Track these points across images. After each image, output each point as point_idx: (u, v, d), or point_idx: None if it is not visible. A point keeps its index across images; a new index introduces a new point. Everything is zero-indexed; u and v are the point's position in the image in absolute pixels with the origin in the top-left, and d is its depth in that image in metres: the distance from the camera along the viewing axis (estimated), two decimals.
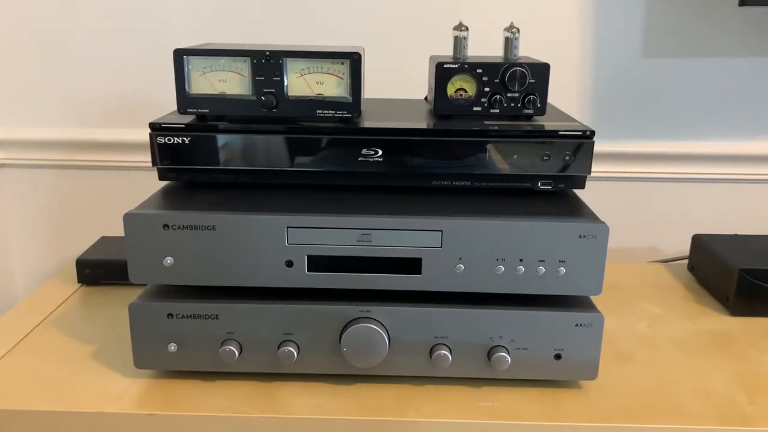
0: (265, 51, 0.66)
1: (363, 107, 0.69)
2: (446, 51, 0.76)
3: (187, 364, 0.67)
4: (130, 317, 0.66)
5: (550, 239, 0.63)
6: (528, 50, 0.94)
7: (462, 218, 0.64)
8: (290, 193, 0.69)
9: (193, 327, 0.66)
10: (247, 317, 0.66)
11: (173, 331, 0.66)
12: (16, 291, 1.14)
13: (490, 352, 0.66)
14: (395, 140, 0.68)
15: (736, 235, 0.96)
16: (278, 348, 0.66)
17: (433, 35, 0.99)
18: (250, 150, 0.68)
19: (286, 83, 0.67)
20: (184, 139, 0.68)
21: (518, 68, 0.69)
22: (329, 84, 0.68)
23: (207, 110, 0.68)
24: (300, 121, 0.69)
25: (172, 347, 0.66)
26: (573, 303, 0.67)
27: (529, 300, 0.66)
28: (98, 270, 0.91)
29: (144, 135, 1.01)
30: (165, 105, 0.99)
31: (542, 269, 0.64)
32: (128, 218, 0.63)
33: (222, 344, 0.66)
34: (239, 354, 0.66)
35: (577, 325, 0.65)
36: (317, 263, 0.64)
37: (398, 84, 0.98)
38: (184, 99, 0.68)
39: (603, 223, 0.63)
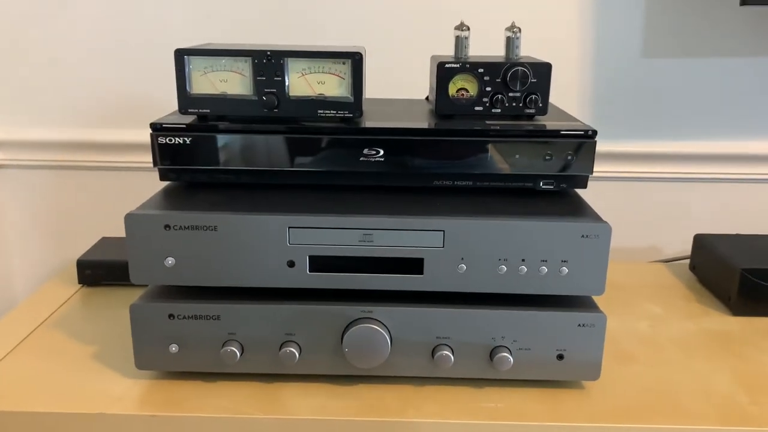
0: (266, 51, 0.66)
1: (364, 107, 0.69)
2: (447, 51, 0.76)
3: (189, 365, 0.67)
4: (131, 318, 0.66)
5: (553, 239, 0.63)
6: (528, 50, 0.94)
7: (464, 218, 0.63)
8: (292, 193, 0.69)
9: (194, 328, 0.66)
10: (248, 318, 0.66)
11: (174, 332, 0.66)
12: (17, 292, 1.14)
13: (492, 353, 0.66)
14: (397, 140, 0.68)
15: (737, 235, 0.96)
16: (280, 349, 0.66)
17: (434, 35, 0.99)
18: (251, 150, 0.68)
19: (287, 83, 0.67)
20: (185, 139, 0.67)
21: (520, 68, 0.68)
22: (330, 84, 0.68)
23: (208, 110, 0.68)
24: (301, 121, 0.69)
25: (174, 348, 0.66)
26: (575, 303, 0.67)
27: (531, 300, 0.66)
28: (99, 271, 0.91)
29: (145, 135, 1.01)
30: (166, 105, 0.98)
31: (544, 269, 0.64)
32: (129, 219, 0.63)
33: (223, 345, 0.66)
34: (241, 355, 0.66)
35: (579, 325, 0.65)
36: (319, 263, 0.64)
37: (399, 84, 0.98)
38: (185, 99, 0.68)
39: (605, 222, 0.63)
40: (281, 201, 0.67)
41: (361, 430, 0.64)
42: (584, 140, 0.68)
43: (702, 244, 0.95)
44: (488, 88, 0.70)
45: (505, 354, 0.65)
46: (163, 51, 1.00)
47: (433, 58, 0.76)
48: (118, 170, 1.07)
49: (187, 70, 0.67)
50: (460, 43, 0.72)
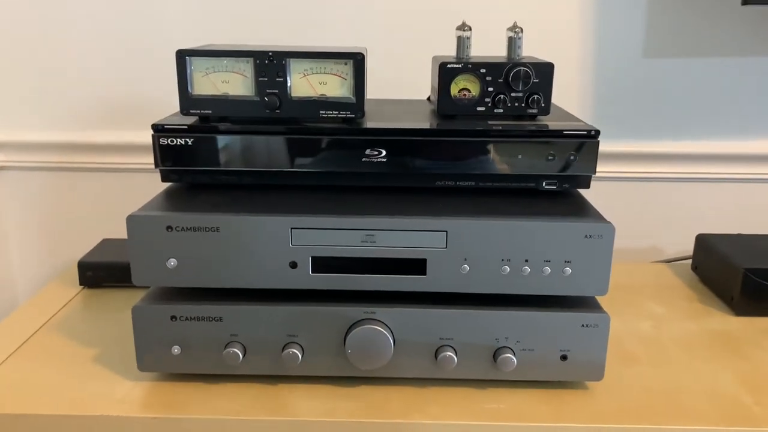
0: (268, 51, 0.66)
1: (366, 108, 0.69)
2: (449, 51, 0.75)
3: (191, 367, 0.67)
4: (134, 320, 0.65)
5: (556, 239, 0.63)
6: (529, 50, 0.93)
7: (467, 219, 0.63)
8: (294, 194, 0.69)
9: (196, 329, 0.66)
10: (251, 319, 0.65)
11: (177, 334, 0.66)
12: (18, 294, 1.13)
13: (495, 354, 0.66)
14: (399, 140, 0.67)
15: (740, 235, 0.96)
16: (282, 350, 0.66)
17: (435, 35, 0.99)
18: (253, 151, 0.68)
19: (289, 84, 0.67)
20: (187, 140, 0.67)
21: (522, 68, 0.68)
22: (332, 84, 0.67)
23: (210, 111, 0.68)
24: (303, 122, 0.68)
25: (176, 350, 0.66)
26: (579, 303, 0.67)
27: (534, 301, 0.66)
28: (100, 272, 0.91)
29: (146, 136, 1.00)
30: (167, 106, 0.98)
31: (548, 269, 0.64)
32: (131, 220, 0.63)
33: (226, 346, 0.66)
34: (243, 356, 0.66)
35: (583, 325, 0.65)
36: (321, 264, 0.64)
37: (401, 84, 0.98)
38: (187, 100, 0.67)
39: (609, 223, 0.63)
40: (283, 202, 0.67)
41: (364, 431, 0.63)
42: (587, 140, 0.68)
43: (704, 244, 0.94)
44: (490, 89, 0.69)
45: (509, 355, 0.65)
46: (164, 51, 1.00)
47: (434, 58, 0.76)
48: (119, 172, 1.07)
49: (188, 71, 0.67)
50: (462, 43, 0.72)
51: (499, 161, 0.68)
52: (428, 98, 0.86)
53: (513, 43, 0.71)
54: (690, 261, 0.99)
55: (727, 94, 1.02)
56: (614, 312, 0.82)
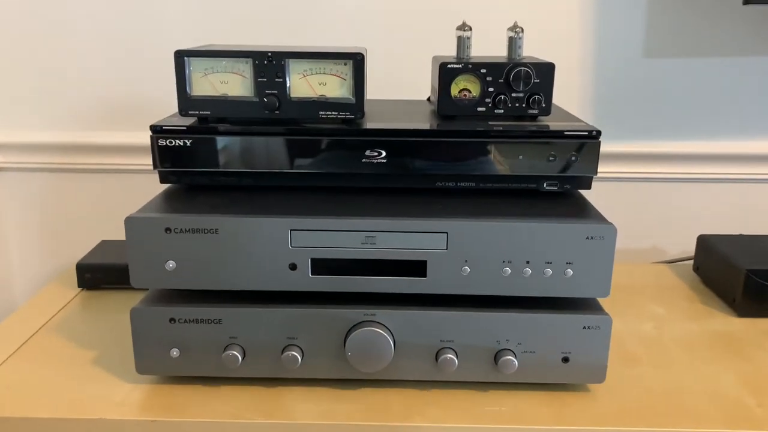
0: (267, 52, 0.66)
1: (366, 108, 0.69)
2: (449, 51, 0.75)
3: (190, 370, 0.66)
4: (132, 322, 0.65)
5: (557, 241, 0.63)
6: (529, 50, 0.93)
7: (467, 220, 0.63)
8: (293, 195, 0.69)
9: (195, 332, 0.65)
10: (250, 321, 0.65)
11: (175, 336, 0.65)
12: (16, 295, 1.13)
13: (496, 356, 0.65)
14: (399, 141, 0.67)
15: (741, 235, 0.95)
16: (282, 352, 0.65)
17: (435, 35, 0.98)
18: (252, 152, 0.67)
19: (288, 84, 0.67)
20: (186, 141, 0.67)
21: (523, 68, 0.68)
22: (332, 85, 0.67)
23: (208, 112, 0.68)
24: (302, 123, 0.68)
25: (175, 352, 0.65)
26: (580, 305, 0.66)
27: (535, 302, 0.66)
28: (99, 274, 0.90)
29: (145, 137, 1.00)
30: (166, 106, 0.98)
31: (549, 271, 0.63)
32: (130, 222, 0.63)
33: (225, 349, 0.65)
34: (242, 359, 0.65)
35: (584, 327, 0.65)
36: (321, 266, 0.64)
37: (400, 85, 0.98)
38: (186, 101, 0.67)
39: (610, 224, 0.63)
40: (282, 203, 0.66)
41: None
42: (588, 141, 0.67)
43: (706, 244, 0.94)
44: (491, 89, 0.69)
45: (510, 357, 0.65)
46: (164, 52, 1.00)
47: (434, 58, 0.75)
48: (118, 172, 1.06)
49: (187, 71, 0.66)
50: (462, 43, 0.71)
51: (499, 162, 0.68)
52: (428, 98, 0.85)
53: (513, 43, 0.71)
54: (691, 262, 0.99)
55: (727, 94, 1.02)
56: (615, 313, 0.81)
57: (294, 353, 0.65)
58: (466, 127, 0.68)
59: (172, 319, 0.65)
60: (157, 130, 0.67)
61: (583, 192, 0.71)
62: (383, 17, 0.99)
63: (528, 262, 0.63)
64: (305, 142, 0.67)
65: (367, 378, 0.67)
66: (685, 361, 0.74)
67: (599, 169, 0.69)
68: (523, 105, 0.69)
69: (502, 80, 0.69)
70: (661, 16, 0.99)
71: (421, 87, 0.90)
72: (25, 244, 1.10)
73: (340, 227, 0.63)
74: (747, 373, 0.72)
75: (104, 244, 0.98)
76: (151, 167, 0.69)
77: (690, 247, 1.00)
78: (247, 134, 0.67)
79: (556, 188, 0.69)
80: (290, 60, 0.66)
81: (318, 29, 1.00)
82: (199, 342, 0.65)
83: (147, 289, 0.69)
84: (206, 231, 0.63)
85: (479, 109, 0.70)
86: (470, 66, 0.68)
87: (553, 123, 0.70)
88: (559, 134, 0.67)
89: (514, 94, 0.69)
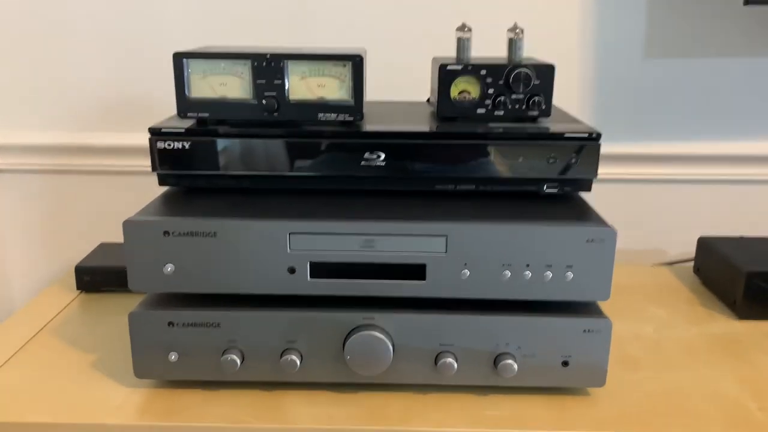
0: (266, 54, 0.65)
1: (365, 110, 0.68)
2: (449, 52, 0.75)
3: (189, 374, 0.66)
4: (130, 326, 0.65)
5: (557, 244, 0.62)
6: (529, 51, 0.93)
7: (467, 223, 0.62)
8: (292, 198, 0.68)
9: (194, 335, 0.65)
10: (249, 325, 0.65)
11: (174, 340, 0.65)
12: (15, 298, 1.13)
13: (496, 360, 0.65)
14: (398, 144, 0.67)
15: (742, 237, 0.95)
16: (281, 356, 0.65)
17: (435, 36, 0.98)
18: (251, 154, 0.67)
19: (287, 86, 0.66)
20: (184, 143, 0.67)
21: (523, 70, 0.68)
22: (331, 87, 0.67)
23: (207, 114, 0.67)
24: (301, 125, 0.68)
25: (173, 356, 0.65)
26: (580, 308, 0.66)
27: (535, 306, 0.65)
28: (97, 277, 0.90)
29: (143, 139, 1.00)
30: (166, 107, 0.97)
31: (549, 274, 0.63)
32: (128, 225, 0.62)
33: (223, 353, 0.65)
34: (241, 363, 0.65)
35: (584, 331, 0.64)
36: (320, 270, 0.63)
37: (400, 86, 0.97)
38: (184, 103, 0.67)
39: (611, 227, 0.62)
40: (281, 206, 0.66)
41: None
42: (588, 143, 0.67)
43: (706, 246, 0.94)
44: (490, 91, 0.69)
45: (510, 361, 0.64)
46: (164, 52, 0.99)
47: (434, 59, 0.75)
48: (116, 175, 1.06)
49: (185, 73, 0.66)
50: (462, 44, 0.71)
51: (499, 164, 0.67)
52: (428, 100, 0.85)
53: (513, 45, 0.70)
54: (692, 264, 0.98)
55: (729, 94, 1.02)
56: (615, 315, 0.81)
57: (293, 357, 0.64)
58: (466, 130, 0.67)
59: (170, 323, 0.65)
60: (155, 133, 0.67)
61: (583, 193, 0.71)
62: (384, 17, 0.99)
63: (528, 265, 0.63)
64: (304, 145, 0.67)
65: (366, 382, 0.66)
66: (686, 364, 0.74)
67: (599, 171, 0.68)
68: (523, 107, 0.69)
69: (502, 82, 0.68)
70: (661, 17, 0.98)
71: (420, 88, 0.90)
72: (24, 247, 1.10)
73: (338, 230, 0.62)
74: (748, 376, 0.72)
75: (103, 247, 0.98)
76: (150, 169, 0.68)
77: (690, 249, 1.00)
78: (245, 136, 0.67)
79: (556, 190, 0.69)
80: (289, 62, 0.66)
81: (318, 29, 0.99)
82: (197, 346, 0.65)
83: (145, 293, 0.69)
84: (205, 234, 0.63)
85: (479, 110, 0.69)
86: (470, 67, 0.68)
87: (553, 125, 0.69)
88: (559, 136, 0.67)
89: (514, 96, 0.69)
